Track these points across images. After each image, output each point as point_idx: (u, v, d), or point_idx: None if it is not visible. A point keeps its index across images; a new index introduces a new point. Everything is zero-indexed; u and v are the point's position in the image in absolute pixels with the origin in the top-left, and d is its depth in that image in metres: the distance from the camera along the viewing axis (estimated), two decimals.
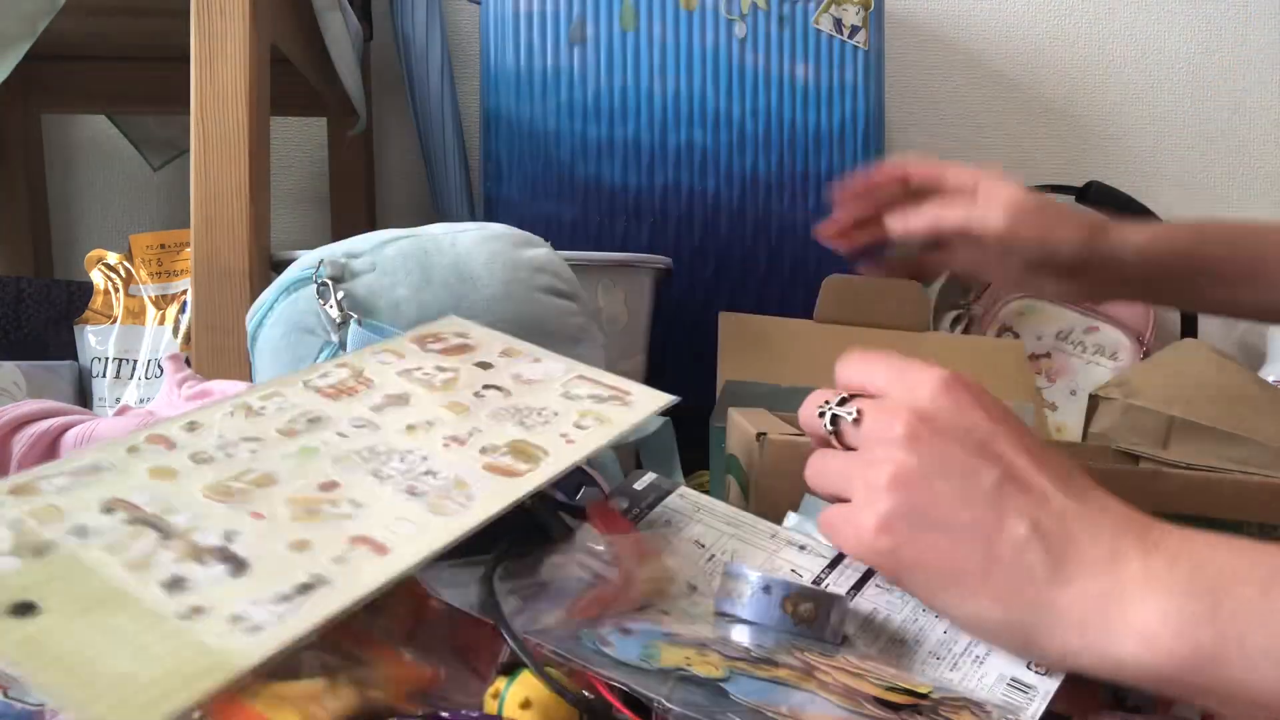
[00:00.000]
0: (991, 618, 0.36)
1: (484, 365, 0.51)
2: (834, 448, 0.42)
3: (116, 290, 1.02)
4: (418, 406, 0.46)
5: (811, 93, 1.05)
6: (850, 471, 0.39)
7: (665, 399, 0.49)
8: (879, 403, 0.40)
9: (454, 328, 0.56)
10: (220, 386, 0.57)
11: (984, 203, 0.63)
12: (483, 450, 0.42)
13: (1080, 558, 0.35)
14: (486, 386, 0.49)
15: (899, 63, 1.36)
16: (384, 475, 0.39)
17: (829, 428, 0.41)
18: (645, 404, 0.48)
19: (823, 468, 0.42)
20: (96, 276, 1.02)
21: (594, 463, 0.59)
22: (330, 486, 0.38)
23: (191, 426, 0.41)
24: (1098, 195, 1.27)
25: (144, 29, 1.05)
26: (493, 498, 0.39)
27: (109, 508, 0.35)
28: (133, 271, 1.02)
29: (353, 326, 0.62)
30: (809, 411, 0.43)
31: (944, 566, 0.36)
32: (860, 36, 1.05)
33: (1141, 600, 0.33)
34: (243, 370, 0.75)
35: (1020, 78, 1.39)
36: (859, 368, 0.42)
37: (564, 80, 1.02)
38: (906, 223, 0.66)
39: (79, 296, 1.04)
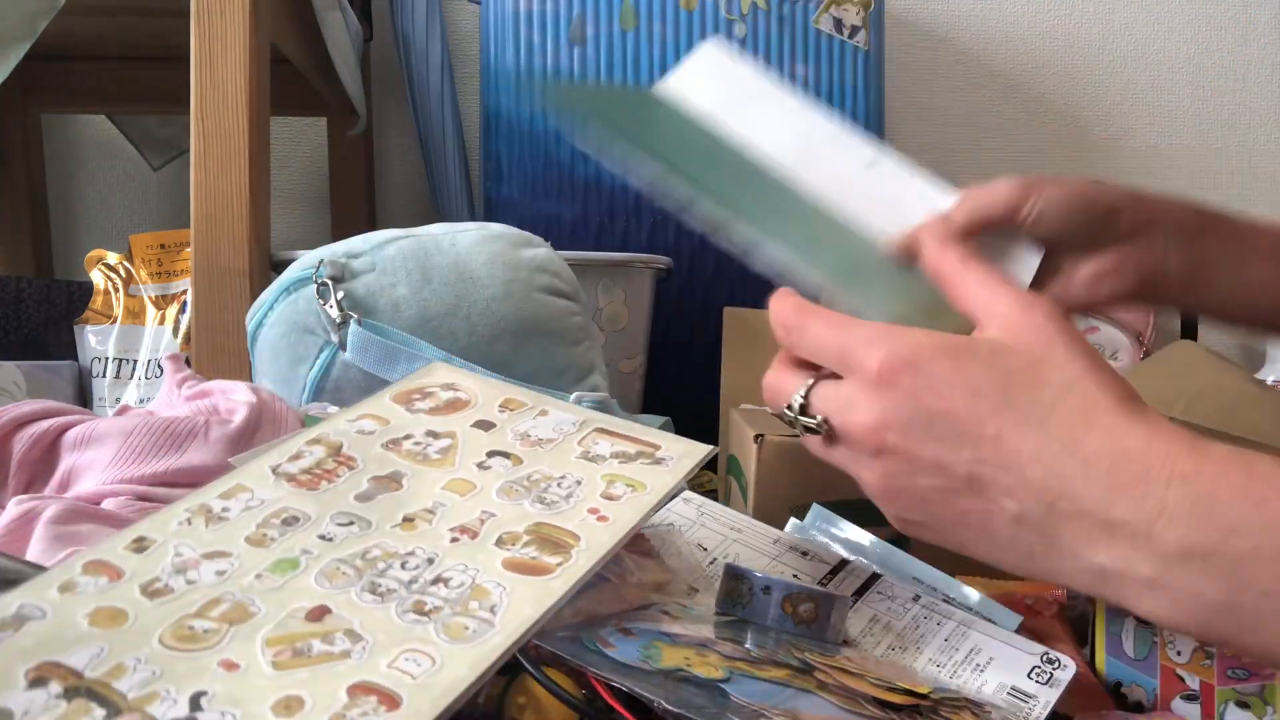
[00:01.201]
0: (1011, 571, 0.37)
1: (484, 425, 0.44)
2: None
3: (116, 290, 1.02)
4: (413, 489, 0.39)
5: (811, 93, 1.04)
6: (844, 465, 0.40)
7: (702, 452, 0.43)
8: (840, 411, 0.38)
9: (441, 378, 0.48)
10: (220, 386, 0.57)
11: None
12: (500, 542, 0.36)
13: (1073, 535, 0.33)
14: (492, 454, 0.42)
15: (899, 63, 1.36)
16: (383, 590, 0.32)
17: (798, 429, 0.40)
18: (680, 461, 0.42)
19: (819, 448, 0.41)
20: (96, 276, 1.02)
21: None
22: (319, 614, 0.31)
23: (140, 545, 0.34)
24: None
25: (144, 29, 1.05)
26: (521, 607, 0.32)
27: (38, 678, 0.27)
28: (133, 271, 1.02)
29: (353, 326, 0.62)
30: (775, 403, 0.42)
31: (950, 544, 0.37)
32: (860, 36, 1.05)
33: (1144, 590, 0.32)
34: (243, 370, 0.75)
35: (1020, 78, 1.39)
36: (803, 343, 0.40)
37: (564, 80, 1.02)
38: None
39: (79, 296, 1.04)
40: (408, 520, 0.37)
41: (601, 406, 0.61)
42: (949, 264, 0.41)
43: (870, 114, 1.05)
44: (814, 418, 0.39)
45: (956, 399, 0.35)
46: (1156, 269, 0.52)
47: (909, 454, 0.36)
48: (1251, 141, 1.41)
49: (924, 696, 0.34)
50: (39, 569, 0.36)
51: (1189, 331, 1.27)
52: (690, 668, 0.33)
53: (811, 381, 0.40)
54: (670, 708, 0.30)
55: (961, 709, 0.35)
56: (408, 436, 0.42)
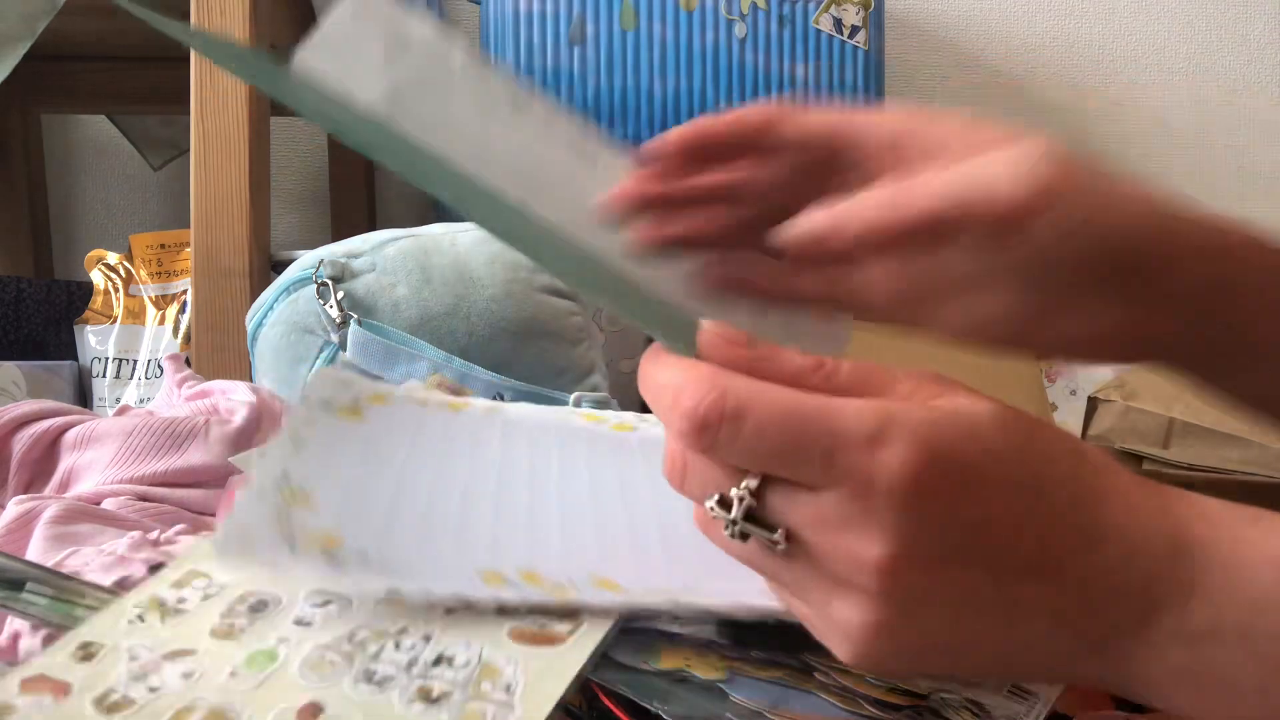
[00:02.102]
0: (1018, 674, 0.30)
1: None
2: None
3: (116, 290, 1.02)
4: None
5: (811, 93, 1.04)
6: (800, 586, 0.28)
7: None
8: (823, 530, 0.26)
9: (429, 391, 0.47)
10: (220, 386, 0.57)
11: (971, 160, 0.32)
12: (502, 611, 0.31)
13: (1111, 626, 0.27)
14: None
15: (899, 63, 1.36)
16: (380, 678, 0.28)
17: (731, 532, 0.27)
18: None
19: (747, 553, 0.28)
20: (96, 276, 1.02)
21: None
22: (312, 713, 0.27)
23: (87, 652, 0.29)
24: None
25: (144, 29, 1.04)
26: (540, 684, 0.28)
27: None
28: (133, 271, 1.02)
29: (353, 326, 0.62)
30: (688, 489, 0.28)
31: (949, 671, 0.30)
32: (860, 36, 1.05)
33: (1172, 684, 0.27)
34: (243, 370, 0.75)
35: (1020, 78, 1.39)
36: (740, 440, 0.26)
37: (564, 80, 1.02)
38: (805, 226, 0.33)
39: (79, 296, 1.04)
40: (393, 591, 0.31)
41: (601, 406, 0.61)
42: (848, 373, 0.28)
43: None
44: (770, 529, 0.26)
45: (995, 500, 0.26)
46: (1181, 349, 0.35)
47: (927, 587, 0.26)
48: (1251, 142, 1.41)
49: (923, 697, 0.34)
50: (39, 569, 0.36)
51: None
52: (690, 668, 0.33)
53: (759, 479, 0.26)
54: (667, 712, 0.30)
55: (961, 709, 0.35)
56: None
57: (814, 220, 0.33)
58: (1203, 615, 0.26)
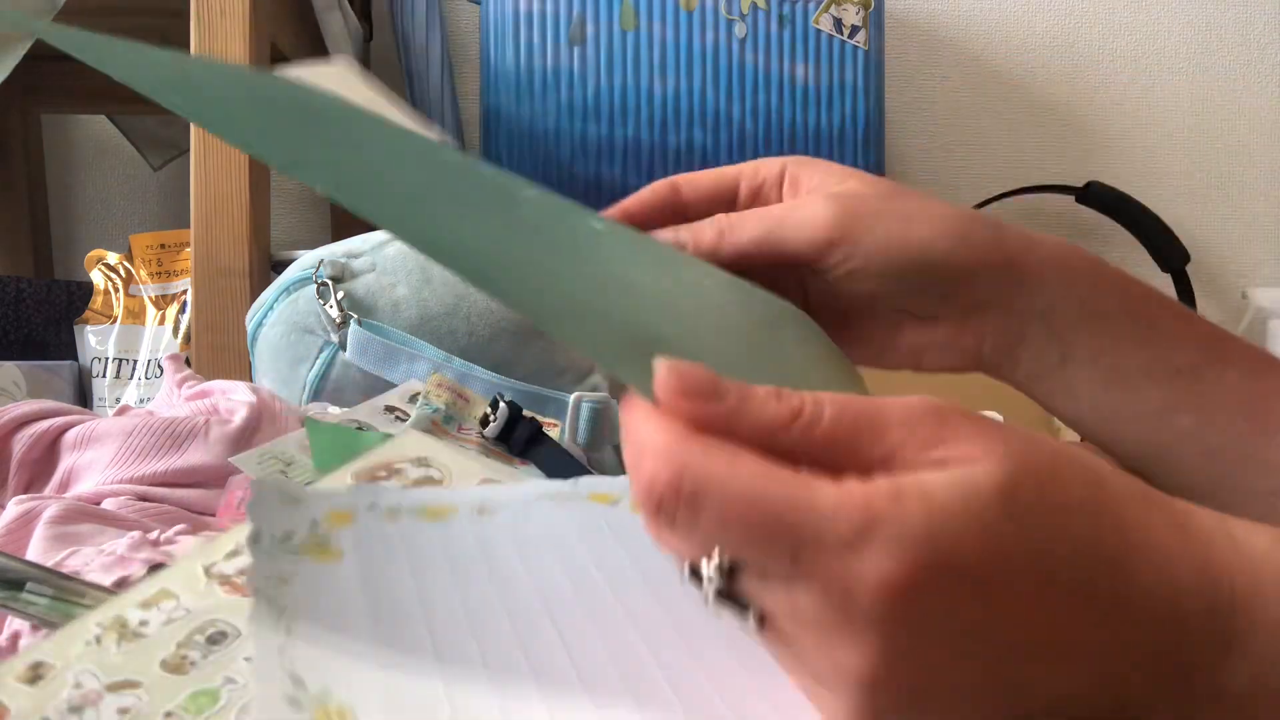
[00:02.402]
0: None
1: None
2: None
3: (116, 290, 1.02)
4: None
5: (811, 93, 1.05)
6: (783, 662, 0.25)
7: None
8: (800, 626, 0.23)
9: (411, 450, 0.41)
10: (220, 386, 0.57)
11: (802, 196, 0.37)
12: None
13: (1141, 699, 0.24)
14: None
15: (899, 63, 1.36)
16: None
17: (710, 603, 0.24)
18: None
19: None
20: (96, 276, 1.02)
21: (594, 462, 0.59)
22: None
23: (36, 673, 0.27)
24: (1098, 195, 1.27)
25: (144, 29, 1.05)
26: None
27: None
28: (133, 271, 1.02)
29: (353, 326, 0.62)
30: (663, 548, 0.24)
31: None
32: (860, 36, 1.05)
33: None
34: (243, 370, 0.75)
35: (1020, 78, 1.39)
36: (698, 520, 0.23)
37: (564, 80, 1.02)
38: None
39: (79, 296, 1.04)
40: None
41: (602, 407, 0.61)
42: (827, 426, 0.24)
43: (870, 114, 1.05)
44: (742, 604, 0.24)
45: (1002, 598, 0.23)
46: (1003, 353, 0.37)
47: (922, 686, 0.23)
48: (1251, 141, 1.41)
49: None
50: (39, 569, 0.36)
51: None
52: None
53: (723, 558, 0.23)
54: None
55: None
56: None
57: (661, 238, 0.36)
58: (1243, 675, 0.24)
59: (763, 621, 0.24)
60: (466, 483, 0.40)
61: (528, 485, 0.36)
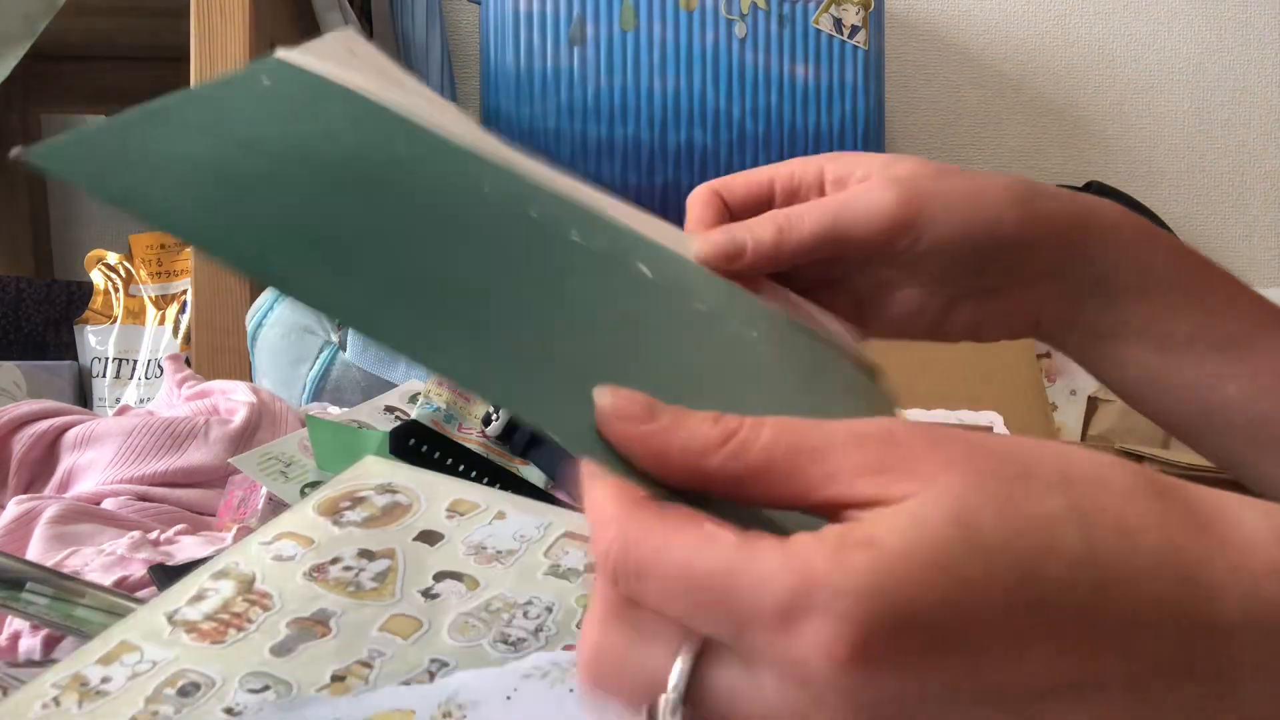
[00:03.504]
0: None
1: (430, 538, 0.36)
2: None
3: (116, 290, 1.02)
4: (344, 634, 0.30)
5: (811, 93, 1.05)
6: None
7: None
8: (768, 698, 0.20)
9: (375, 476, 0.38)
10: (220, 386, 0.57)
11: (856, 185, 0.36)
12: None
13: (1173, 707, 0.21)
14: (440, 576, 0.34)
15: (899, 63, 1.36)
16: None
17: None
18: None
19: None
20: (96, 276, 1.02)
21: None
22: None
23: None
24: (1097, 195, 1.27)
25: (144, 29, 1.05)
26: None
27: None
28: (133, 271, 1.02)
29: None
30: (620, 687, 0.22)
31: None
32: (860, 36, 1.05)
33: None
34: (243, 370, 0.75)
35: (1020, 78, 1.39)
36: (645, 590, 0.21)
37: (564, 80, 1.02)
38: (709, 246, 0.35)
39: (79, 296, 1.04)
40: (337, 679, 0.28)
41: None
42: (760, 452, 0.22)
43: (870, 114, 1.05)
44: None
45: (975, 639, 0.20)
46: (1058, 321, 0.37)
47: None
48: (1251, 141, 1.41)
49: None
50: (39, 569, 0.36)
51: None
52: None
53: (689, 655, 0.21)
54: None
55: None
56: (335, 561, 0.33)
57: (715, 241, 0.35)
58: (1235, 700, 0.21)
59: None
60: (435, 505, 0.37)
61: (509, 667, 0.29)
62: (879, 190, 0.34)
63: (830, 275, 0.37)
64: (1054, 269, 0.36)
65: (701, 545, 0.20)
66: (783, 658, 0.19)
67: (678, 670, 0.20)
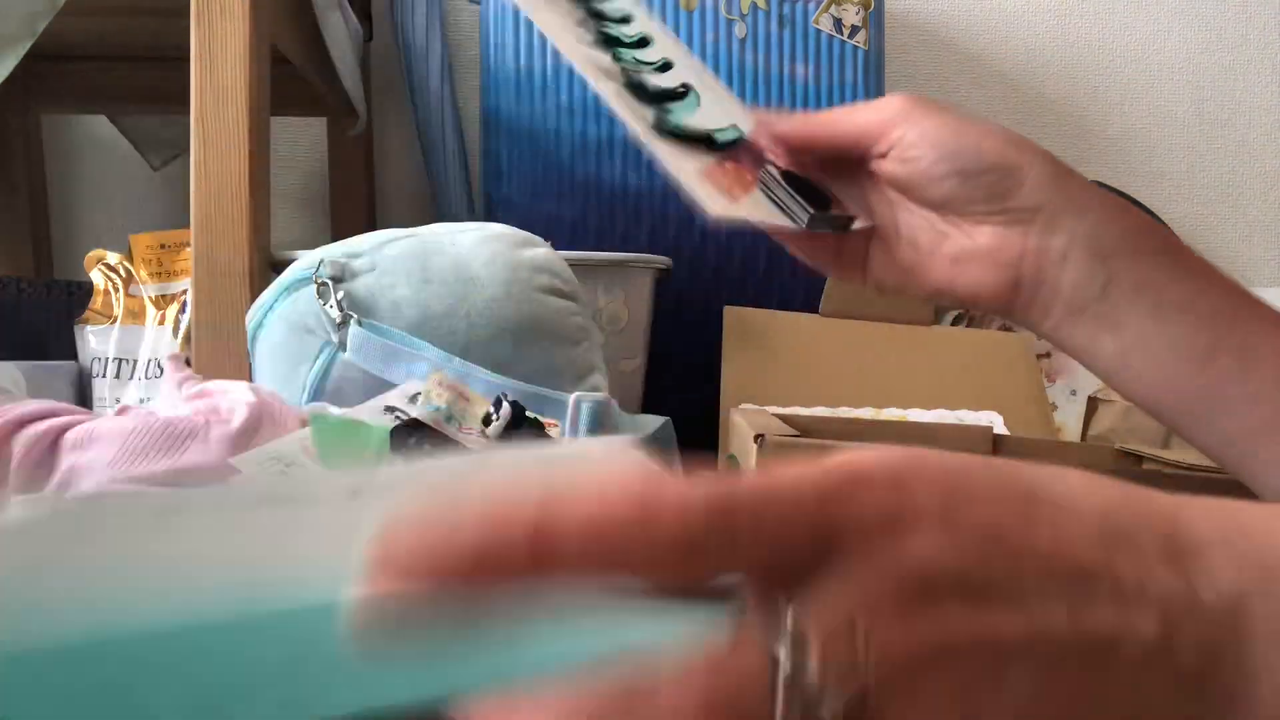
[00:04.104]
0: None
1: None
2: None
3: (116, 290, 1.02)
4: None
5: (811, 93, 1.05)
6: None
7: None
8: (865, 596, 0.18)
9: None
10: (220, 386, 0.57)
11: (895, 131, 0.38)
12: None
13: (1206, 622, 0.19)
14: None
15: (899, 63, 1.36)
16: None
17: None
18: None
19: None
20: (96, 276, 1.02)
21: None
22: None
23: None
24: None
25: (144, 29, 1.05)
26: None
27: None
28: (133, 271, 1.02)
29: (353, 326, 0.62)
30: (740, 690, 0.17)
31: None
32: (860, 36, 1.05)
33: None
34: (243, 370, 0.75)
35: (1020, 78, 1.39)
36: (740, 515, 0.17)
37: (564, 80, 1.02)
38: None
39: (79, 296, 1.04)
40: None
41: (601, 407, 0.61)
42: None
43: None
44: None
45: (986, 500, 0.19)
46: (1045, 274, 0.36)
47: (975, 631, 0.18)
48: (1250, 141, 1.41)
49: None
50: None
51: None
52: None
53: (790, 602, 0.17)
54: None
55: None
56: None
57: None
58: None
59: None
60: None
61: None
62: (881, 99, 0.39)
63: (846, 182, 0.41)
64: (1041, 207, 0.37)
65: (760, 476, 0.18)
66: (850, 530, 0.18)
67: (784, 648, 0.17)
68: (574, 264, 0.72)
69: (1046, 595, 0.18)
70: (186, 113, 0.81)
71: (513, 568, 0.16)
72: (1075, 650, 0.18)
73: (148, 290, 1.02)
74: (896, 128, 0.37)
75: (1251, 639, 0.19)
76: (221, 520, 0.23)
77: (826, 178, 0.42)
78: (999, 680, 0.18)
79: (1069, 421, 1.15)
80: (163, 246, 1.02)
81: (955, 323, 1.20)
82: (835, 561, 0.18)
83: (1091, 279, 0.36)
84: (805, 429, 0.58)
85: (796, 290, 1.02)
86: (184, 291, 1.00)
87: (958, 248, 0.38)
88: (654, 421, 0.64)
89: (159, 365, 0.98)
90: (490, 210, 1.03)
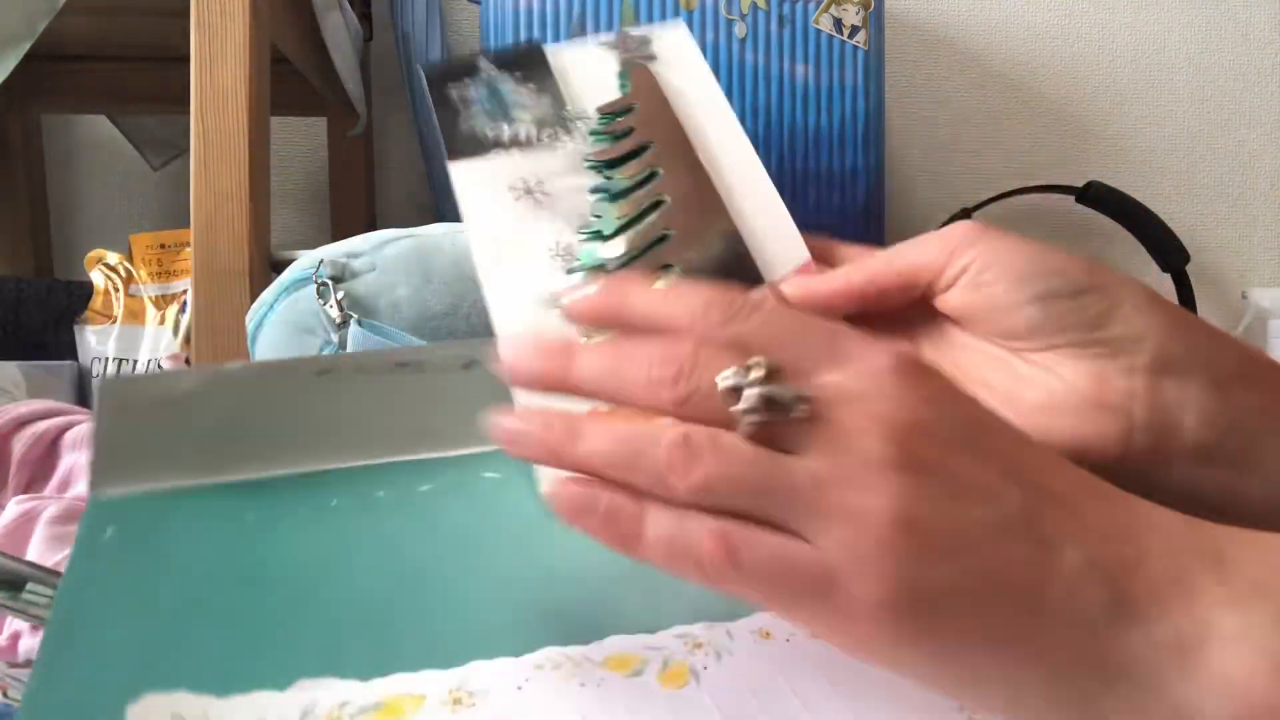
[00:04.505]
0: (1033, 694, 0.25)
1: None
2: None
3: (116, 290, 1.02)
4: None
5: (811, 93, 1.05)
6: (818, 492, 0.25)
7: None
8: (838, 399, 0.25)
9: None
10: None
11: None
12: None
13: (1148, 590, 0.25)
14: None
15: (899, 63, 1.36)
16: None
17: (749, 417, 0.25)
18: None
19: (720, 466, 0.25)
20: (96, 276, 1.02)
21: None
22: None
23: None
24: (1098, 195, 1.27)
25: (144, 29, 1.05)
26: None
27: None
28: (133, 271, 1.02)
29: (353, 326, 0.62)
30: (691, 375, 0.26)
31: (972, 636, 0.25)
32: (860, 36, 1.05)
33: (1226, 647, 0.24)
34: None
35: (1020, 78, 1.39)
36: (749, 320, 0.27)
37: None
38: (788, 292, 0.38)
39: (79, 296, 1.04)
40: None
41: None
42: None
43: (870, 114, 1.05)
44: (786, 391, 0.25)
45: (994, 418, 0.27)
46: (1163, 416, 0.31)
47: (947, 470, 0.25)
48: (1251, 142, 1.41)
49: None
50: (39, 569, 0.36)
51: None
52: None
53: (764, 359, 0.26)
54: None
55: None
56: None
57: (793, 285, 0.37)
58: (1242, 579, 0.25)
59: (805, 407, 0.25)
60: None
61: (522, 659, 0.28)
62: (931, 234, 0.34)
63: (892, 330, 0.36)
64: (1146, 335, 0.31)
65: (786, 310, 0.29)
66: (860, 355, 0.26)
67: (759, 359, 0.26)
68: None
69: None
70: (186, 113, 0.81)
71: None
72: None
73: (148, 290, 1.02)
74: (963, 253, 0.32)
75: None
76: (366, 382, 0.35)
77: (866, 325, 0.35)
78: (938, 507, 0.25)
79: None
80: (163, 246, 1.02)
81: None
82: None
83: (1220, 414, 0.31)
84: None
85: None
86: (184, 291, 1.00)
87: (1046, 394, 0.31)
88: None
89: (159, 365, 0.98)
90: None
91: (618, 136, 0.41)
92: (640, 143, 0.41)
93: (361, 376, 0.35)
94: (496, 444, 0.28)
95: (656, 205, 0.40)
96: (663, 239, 0.39)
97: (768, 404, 0.25)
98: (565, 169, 0.41)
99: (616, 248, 0.38)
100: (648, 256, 0.38)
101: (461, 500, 0.33)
